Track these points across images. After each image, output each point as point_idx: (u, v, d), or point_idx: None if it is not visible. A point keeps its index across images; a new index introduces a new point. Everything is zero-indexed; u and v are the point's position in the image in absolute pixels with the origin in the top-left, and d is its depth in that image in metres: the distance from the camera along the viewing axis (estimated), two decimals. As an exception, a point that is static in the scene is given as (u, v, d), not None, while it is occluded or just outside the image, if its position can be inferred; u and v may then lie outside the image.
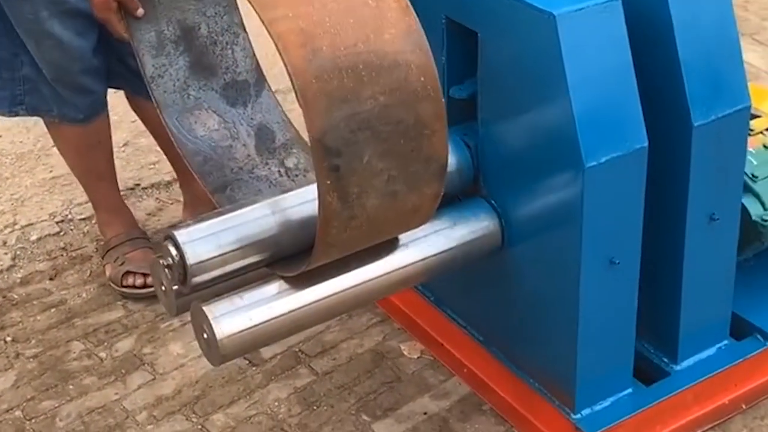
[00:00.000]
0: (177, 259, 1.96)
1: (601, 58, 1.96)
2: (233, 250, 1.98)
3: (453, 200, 2.22)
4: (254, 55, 2.38)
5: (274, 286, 2.03)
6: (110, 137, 2.86)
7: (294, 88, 1.70)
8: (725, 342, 2.38)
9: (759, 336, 2.40)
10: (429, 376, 2.54)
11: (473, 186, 2.24)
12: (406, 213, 1.90)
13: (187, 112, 2.31)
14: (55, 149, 3.02)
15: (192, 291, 1.99)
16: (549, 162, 2.03)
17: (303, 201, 2.05)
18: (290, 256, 2.05)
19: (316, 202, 2.01)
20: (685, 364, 2.33)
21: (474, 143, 2.20)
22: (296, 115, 2.16)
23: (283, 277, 2.03)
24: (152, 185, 3.35)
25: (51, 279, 2.95)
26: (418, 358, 2.60)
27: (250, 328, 1.98)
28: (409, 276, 2.14)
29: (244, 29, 2.38)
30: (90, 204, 3.15)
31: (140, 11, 2.26)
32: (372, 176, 1.79)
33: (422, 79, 1.79)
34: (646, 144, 2.00)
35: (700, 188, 2.13)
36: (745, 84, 2.12)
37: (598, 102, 1.96)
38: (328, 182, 1.75)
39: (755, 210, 2.36)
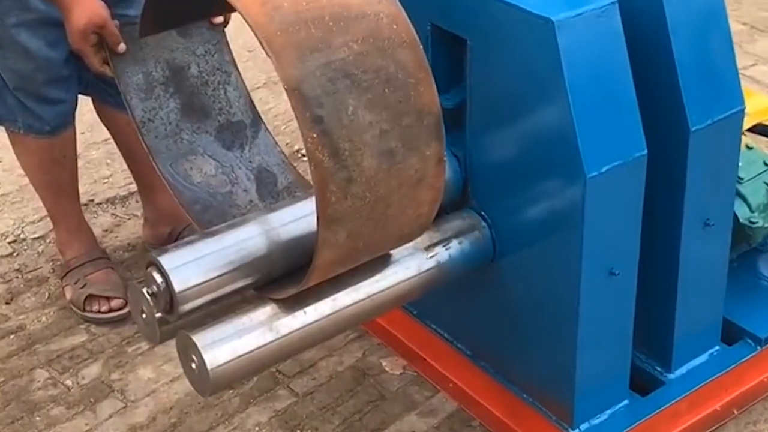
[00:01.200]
0: (163, 286, 1.86)
1: (600, 63, 1.90)
2: (222, 275, 1.89)
3: (441, 213, 2.14)
4: (248, 94, 2.27)
5: (265, 311, 1.93)
6: (76, 152, 2.73)
7: (260, 42, 1.64)
8: (716, 348, 2.34)
9: (749, 340, 2.36)
10: (414, 392, 2.47)
11: (462, 197, 2.17)
12: (410, 181, 1.77)
13: (181, 157, 2.18)
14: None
15: (179, 319, 1.89)
16: (546, 171, 1.97)
17: (292, 219, 1.97)
18: (280, 278, 1.96)
19: (307, 220, 1.95)
20: (679, 372, 2.29)
21: (462, 153, 2.13)
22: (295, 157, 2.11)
23: (274, 300, 1.94)
24: (107, 200, 3.22)
25: (7, 303, 2.81)
26: (400, 374, 2.52)
27: (243, 355, 1.88)
28: (402, 293, 2.06)
29: (236, 67, 2.26)
30: (43, 222, 3.03)
31: (122, 47, 2.14)
32: (362, 130, 1.69)
33: (395, 26, 1.74)
34: (645, 152, 1.95)
35: (696, 194, 2.09)
36: (739, 86, 2.08)
37: (597, 109, 1.90)
38: (314, 135, 1.65)
39: (742, 212, 2.33)
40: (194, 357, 1.87)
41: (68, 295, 2.76)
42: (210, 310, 1.93)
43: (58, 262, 2.94)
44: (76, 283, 2.74)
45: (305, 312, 1.94)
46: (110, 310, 2.69)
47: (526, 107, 1.96)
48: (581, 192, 1.90)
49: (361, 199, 1.72)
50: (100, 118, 2.79)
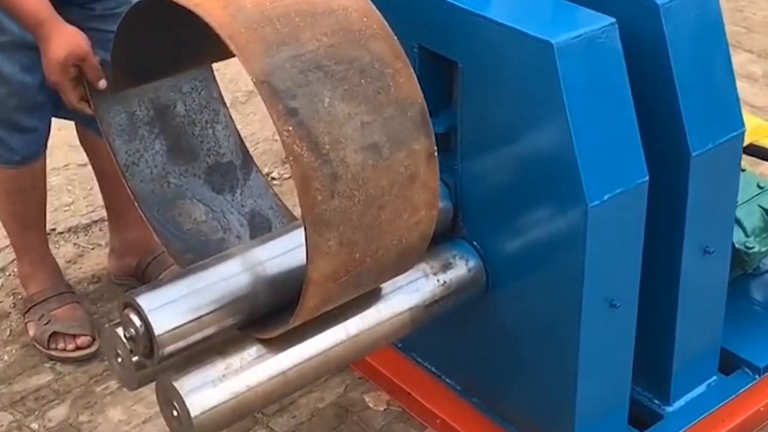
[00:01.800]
0: (141, 329, 1.74)
1: (600, 87, 1.82)
2: (204, 315, 1.78)
3: (430, 243, 2.04)
4: (238, 133, 2.14)
5: (251, 352, 1.82)
6: (45, 182, 2.58)
7: (223, 41, 1.56)
8: (714, 378, 2.26)
9: (747, 369, 2.29)
10: (399, 429, 2.36)
11: (452, 226, 2.07)
12: (401, 179, 1.67)
13: (168, 202, 2.04)
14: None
15: (159, 363, 1.77)
16: (544, 199, 1.88)
17: (276, 254, 1.87)
18: (265, 317, 1.85)
19: (292, 254, 1.85)
20: (677, 405, 2.20)
21: (452, 180, 2.03)
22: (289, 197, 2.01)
23: (259, 340, 1.83)
24: (69, 229, 3.08)
25: (-34, 341, 2.67)
26: (384, 410, 2.41)
27: (228, 401, 1.77)
28: (391, 331, 1.96)
29: (224, 104, 2.14)
30: (2, 254, 2.89)
31: (103, 83, 2.00)
32: (340, 122, 1.60)
33: (365, 20, 1.67)
34: (647, 178, 1.87)
35: (696, 220, 2.01)
36: (739, 108, 2.00)
37: (598, 135, 1.81)
38: (290, 128, 1.55)
39: (738, 237, 2.26)
40: (176, 404, 1.76)
41: (31, 332, 2.62)
42: (191, 352, 1.82)
43: (20, 297, 2.80)
44: (39, 319, 2.60)
45: (293, 352, 1.84)
46: (76, 348, 2.55)
47: (522, 133, 1.87)
48: (582, 221, 1.81)
49: (350, 198, 1.62)
50: (81, 141, 2.66)
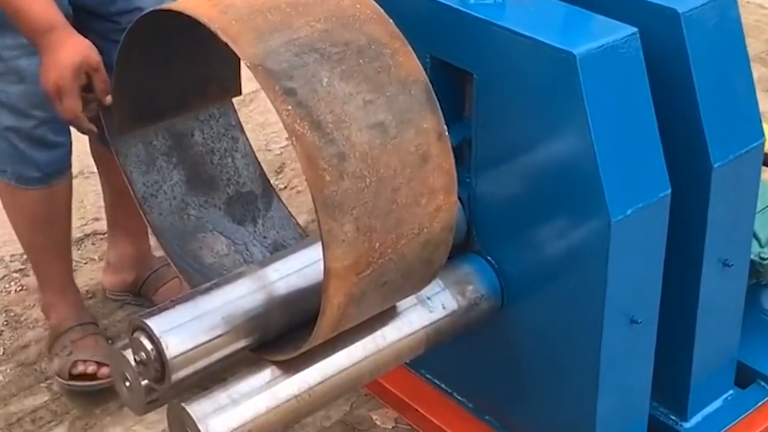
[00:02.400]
0: (153, 353, 1.68)
1: (622, 98, 1.76)
2: (217, 337, 1.71)
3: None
4: (257, 161, 2.07)
5: (265, 374, 1.76)
6: (71, 207, 2.46)
7: (215, 33, 1.54)
8: (731, 392, 2.22)
9: (763, 383, 2.24)
10: (409, 447, 2.31)
11: (466, 242, 2.02)
12: (413, 159, 1.61)
13: (188, 235, 1.97)
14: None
15: (171, 388, 1.71)
16: (564, 214, 1.83)
17: (289, 272, 1.80)
18: (278, 338, 1.79)
19: (307, 270, 1.80)
20: (695, 420, 2.16)
21: (465, 194, 1.98)
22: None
23: (272, 362, 1.77)
24: (61, 243, 3.00)
25: (-42, 361, 2.60)
26: (393, 427, 2.36)
27: (243, 425, 1.71)
28: (406, 350, 1.91)
29: (243, 132, 2.07)
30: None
31: (109, 98, 1.91)
32: (342, 100, 1.55)
33: (358, 6, 1.64)
34: (669, 191, 1.82)
35: (716, 233, 1.96)
36: (759, 118, 1.96)
37: (621, 147, 1.76)
38: (289, 108, 1.51)
39: (752, 248, 2.21)
40: (189, 430, 1.69)
41: (55, 366, 2.49)
42: (203, 375, 1.76)
43: (12, 314, 2.73)
44: (62, 350, 2.48)
45: (308, 374, 1.78)
46: (96, 376, 2.43)
47: (540, 145, 1.82)
48: (605, 236, 1.75)
49: (361, 178, 1.55)
50: (92, 154, 2.57)
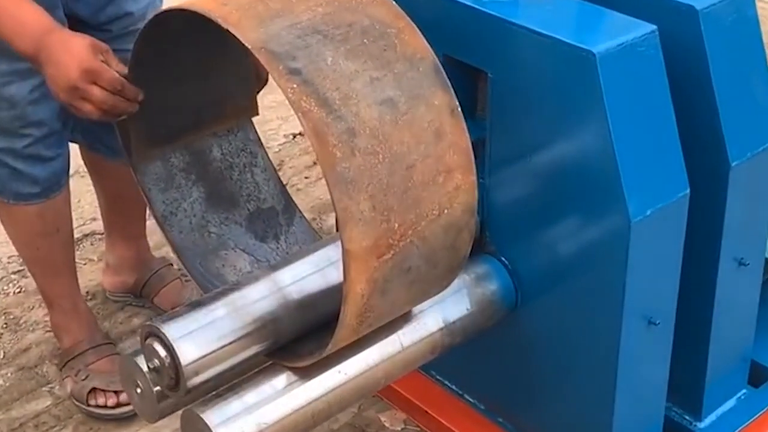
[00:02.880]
0: (167, 360, 1.64)
1: (642, 97, 1.74)
2: (232, 342, 1.68)
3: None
4: (277, 176, 2.04)
5: (279, 381, 1.73)
6: (71, 221, 2.41)
7: (213, 20, 1.53)
8: (744, 391, 2.20)
9: (777, 381, 2.23)
10: (418, 449, 2.29)
11: (479, 242, 1.99)
12: (426, 135, 1.58)
13: (210, 254, 1.93)
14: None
15: (186, 395, 1.68)
16: (581, 214, 1.80)
17: (304, 275, 1.77)
18: (294, 342, 1.76)
19: (322, 273, 1.77)
20: (709, 420, 2.14)
21: (480, 194, 1.94)
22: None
23: (287, 368, 1.74)
24: (59, 244, 2.96)
25: (-43, 365, 2.56)
26: (402, 429, 2.34)
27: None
28: (425, 350, 1.88)
29: (262, 146, 2.03)
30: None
31: (135, 103, 1.82)
32: (348, 77, 1.52)
33: None
34: (688, 191, 1.80)
35: (733, 231, 1.94)
36: (775, 116, 1.94)
37: (640, 147, 1.73)
38: (294, 86, 1.49)
39: (764, 246, 2.19)
40: (204, 438, 1.66)
41: (68, 388, 2.44)
42: (217, 382, 1.73)
43: (11, 316, 2.69)
44: (77, 374, 2.43)
45: (322, 380, 1.75)
46: (118, 405, 2.38)
47: (558, 145, 1.79)
48: (625, 237, 1.73)
49: (373, 155, 1.52)
50: (84, 161, 2.52)
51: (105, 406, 2.38)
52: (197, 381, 1.66)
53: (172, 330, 1.65)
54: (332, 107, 1.50)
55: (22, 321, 2.69)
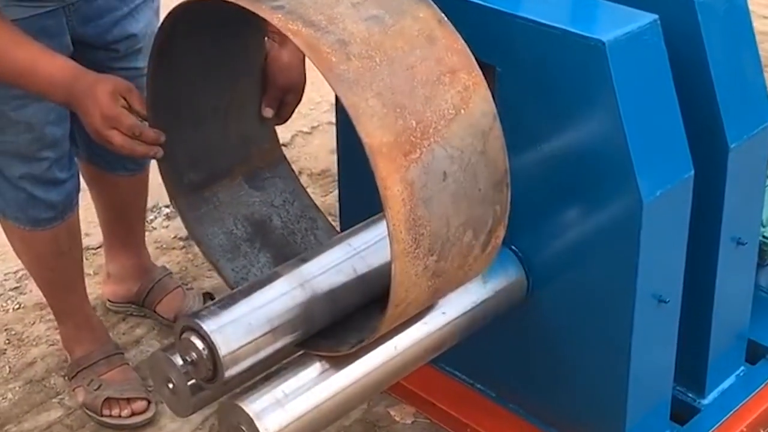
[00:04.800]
0: (205, 353, 1.69)
1: (647, 83, 1.82)
2: (266, 333, 1.73)
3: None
4: (338, 232, 2.09)
5: (313, 369, 1.78)
6: (80, 238, 2.43)
7: None
8: (742, 368, 2.29)
9: (772, 357, 2.32)
10: (431, 441, 2.34)
11: (489, 232, 2.06)
12: (419, 41, 1.60)
13: None
14: None
15: (223, 386, 1.72)
16: (592, 199, 1.88)
17: (330, 266, 1.83)
18: (325, 331, 1.81)
19: (351, 262, 1.83)
20: (711, 397, 2.22)
21: (488, 186, 2.02)
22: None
23: (320, 356, 1.79)
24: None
25: (-36, 382, 2.57)
26: (412, 423, 2.38)
27: (297, 419, 1.73)
28: (443, 340, 1.94)
29: (319, 210, 2.08)
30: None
31: (157, 147, 1.89)
32: (330, 5, 1.57)
33: None
34: (692, 172, 1.88)
35: (731, 212, 2.03)
36: (767, 99, 2.03)
37: (648, 131, 1.82)
38: (279, 16, 1.54)
39: (754, 228, 2.28)
40: (245, 428, 1.70)
41: (80, 398, 2.45)
42: (251, 373, 1.77)
43: (13, 332, 2.71)
44: (89, 384, 2.43)
45: (355, 367, 1.80)
46: (132, 414, 2.39)
47: (568, 133, 1.87)
48: (638, 218, 1.81)
49: (369, 59, 1.55)
50: (83, 175, 2.50)
51: (119, 416, 2.40)
52: (235, 371, 1.70)
53: (209, 323, 1.69)
54: (319, 26, 1.55)
55: (24, 336, 2.70)
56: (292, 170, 2.10)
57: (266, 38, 2.00)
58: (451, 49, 1.65)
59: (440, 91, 1.60)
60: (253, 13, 1.57)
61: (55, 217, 2.28)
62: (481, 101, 1.65)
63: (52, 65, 1.90)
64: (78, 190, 2.34)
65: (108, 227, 2.65)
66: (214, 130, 1.99)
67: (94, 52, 2.19)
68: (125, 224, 2.63)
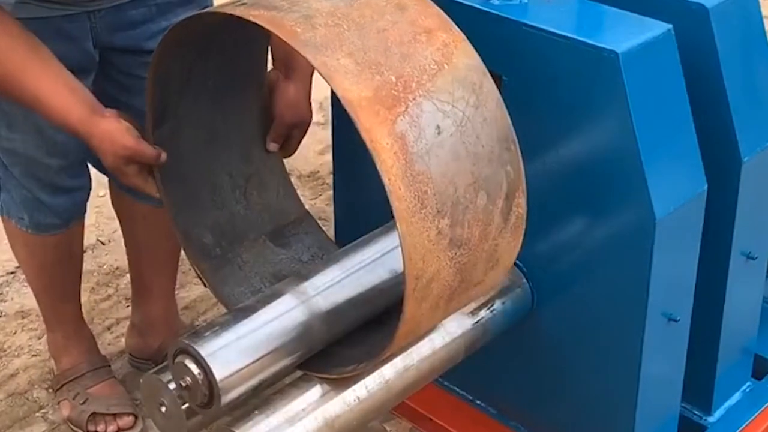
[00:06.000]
0: (200, 377, 1.61)
1: (661, 95, 1.76)
2: (264, 355, 1.65)
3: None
4: None
5: (313, 393, 1.70)
6: (82, 249, 2.34)
7: None
8: (748, 384, 2.23)
9: (778, 372, 2.26)
10: (428, 457, 2.27)
11: (492, 246, 1.99)
12: (387, 9, 1.53)
13: None
14: None
15: (218, 411, 1.65)
16: (602, 214, 1.81)
17: (332, 282, 1.75)
18: (324, 353, 1.74)
19: (351, 279, 1.77)
20: (718, 414, 2.16)
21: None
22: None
23: (319, 379, 1.72)
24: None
25: (-57, 395, 2.48)
26: (409, 438, 2.33)
27: (296, 447, 1.66)
28: (449, 357, 1.87)
29: (333, 242, 2.01)
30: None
31: (163, 156, 1.81)
32: None
33: None
34: (705, 187, 1.82)
35: (743, 226, 1.97)
36: (781, 111, 1.97)
37: (661, 145, 1.75)
38: (240, 8, 1.50)
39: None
40: (242, 455, 1.63)
41: (65, 412, 2.36)
42: (246, 396, 1.70)
43: (5, 344, 2.62)
44: (74, 398, 2.35)
45: (355, 389, 1.73)
46: (119, 430, 2.31)
47: (578, 145, 1.80)
48: (650, 235, 1.74)
49: (336, 26, 1.48)
50: (113, 204, 2.41)
51: None
52: (232, 396, 1.63)
53: (204, 346, 1.62)
54: (282, 8, 1.50)
55: (6, 346, 2.61)
56: (317, 223, 2.02)
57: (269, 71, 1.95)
58: (424, 13, 1.57)
59: (418, 49, 1.52)
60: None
61: (59, 225, 2.19)
62: (464, 56, 1.56)
63: (68, 100, 1.79)
64: (86, 199, 2.23)
65: (137, 270, 2.48)
66: (233, 202, 1.93)
67: (121, 57, 2.07)
68: (156, 267, 2.45)
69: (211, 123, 1.89)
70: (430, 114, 1.49)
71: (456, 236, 1.51)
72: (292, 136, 1.97)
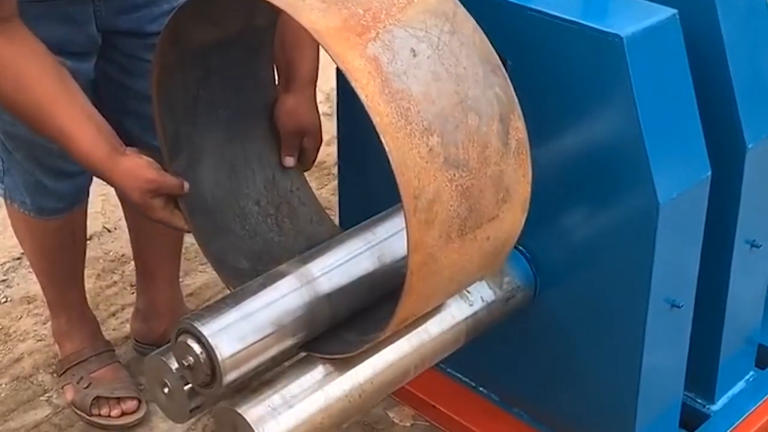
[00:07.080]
0: (203, 357, 1.62)
1: (665, 80, 1.76)
2: (267, 335, 1.66)
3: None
4: None
5: (315, 373, 1.71)
6: (85, 234, 2.34)
7: None
8: (751, 373, 2.23)
9: (782, 362, 2.26)
10: (431, 444, 2.27)
11: (496, 232, 1.99)
12: None
13: None
14: None
15: (222, 391, 1.65)
16: (606, 199, 1.81)
17: (335, 264, 1.75)
18: (327, 333, 1.74)
19: (354, 261, 1.78)
20: (721, 403, 2.16)
21: (496, 184, 1.95)
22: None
23: (323, 360, 1.72)
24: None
25: (-53, 378, 2.49)
26: (411, 425, 2.33)
27: (297, 427, 1.66)
28: (452, 341, 1.87)
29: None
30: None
31: (186, 186, 1.81)
32: None
33: None
34: (709, 173, 1.81)
35: (747, 214, 1.97)
36: (784, 98, 1.97)
37: (665, 130, 1.75)
38: None
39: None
40: (242, 434, 1.64)
41: (69, 396, 2.37)
42: (250, 377, 1.70)
43: (11, 329, 2.62)
44: (78, 382, 2.36)
45: (358, 371, 1.73)
46: (122, 414, 2.32)
47: (582, 130, 1.80)
48: (653, 221, 1.74)
49: None
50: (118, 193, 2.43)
51: (109, 416, 2.32)
52: (234, 376, 1.63)
53: (207, 326, 1.62)
54: None
55: (11, 331, 2.63)
56: None
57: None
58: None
59: None
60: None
61: (61, 209, 2.20)
62: None
63: (89, 141, 1.78)
64: (89, 184, 2.23)
65: (141, 256, 2.49)
66: (266, 230, 1.93)
67: (124, 39, 2.06)
68: (160, 253, 2.46)
69: (230, 153, 1.89)
70: (403, 39, 1.48)
71: (451, 155, 1.49)
72: (306, 147, 1.96)
